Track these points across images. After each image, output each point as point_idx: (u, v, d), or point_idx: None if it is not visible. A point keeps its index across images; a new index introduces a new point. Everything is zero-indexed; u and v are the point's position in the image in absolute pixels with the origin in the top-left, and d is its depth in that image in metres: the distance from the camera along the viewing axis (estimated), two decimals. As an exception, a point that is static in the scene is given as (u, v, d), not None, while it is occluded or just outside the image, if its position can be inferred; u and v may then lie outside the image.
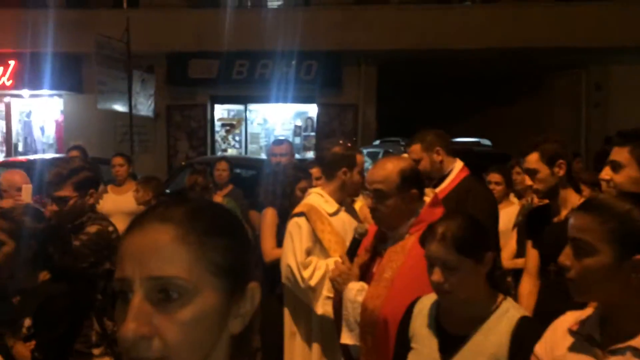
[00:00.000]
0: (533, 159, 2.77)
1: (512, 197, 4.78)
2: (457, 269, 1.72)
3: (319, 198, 3.07)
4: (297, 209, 3.04)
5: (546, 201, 2.94)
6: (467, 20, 12.26)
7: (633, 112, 11.12)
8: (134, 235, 0.83)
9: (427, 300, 1.92)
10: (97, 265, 2.55)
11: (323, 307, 2.81)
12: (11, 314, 1.87)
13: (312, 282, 2.83)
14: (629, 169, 2.26)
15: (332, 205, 3.05)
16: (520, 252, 3.58)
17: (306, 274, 2.85)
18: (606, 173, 2.33)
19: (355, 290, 2.31)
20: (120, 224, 1.27)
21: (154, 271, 0.79)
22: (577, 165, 7.04)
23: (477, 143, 10.31)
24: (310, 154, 13.28)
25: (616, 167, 2.29)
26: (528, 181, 2.82)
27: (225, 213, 0.91)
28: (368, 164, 7.02)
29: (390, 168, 2.30)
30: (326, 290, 2.80)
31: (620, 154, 2.28)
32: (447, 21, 12.14)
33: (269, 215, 3.70)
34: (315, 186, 3.65)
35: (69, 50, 12.50)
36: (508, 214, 4.26)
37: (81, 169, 2.72)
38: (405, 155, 3.44)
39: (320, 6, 12.75)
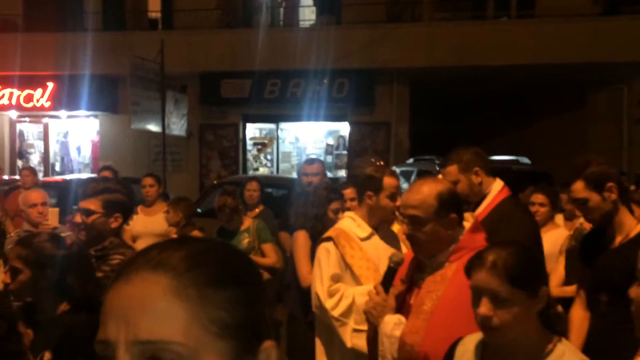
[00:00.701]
0: (579, 188, 2.52)
1: (558, 219, 4.48)
2: (508, 302, 1.54)
3: (350, 222, 2.92)
4: (326, 234, 2.91)
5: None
6: (502, 35, 12.01)
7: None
8: (119, 287, 0.68)
9: (470, 342, 1.74)
10: None
11: (351, 340, 2.65)
12: (17, 346, 1.77)
13: (335, 313, 2.67)
14: None
15: (365, 230, 2.88)
16: (570, 279, 3.34)
17: (329, 303, 2.69)
18: None
19: (392, 324, 2.13)
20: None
21: (142, 334, 0.64)
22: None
23: (516, 161, 9.94)
24: (342, 173, 13.19)
25: None
26: (579, 213, 2.59)
27: (234, 256, 0.74)
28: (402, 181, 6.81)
29: (426, 192, 2.13)
30: (353, 322, 2.64)
31: None
32: (482, 37, 11.91)
33: (301, 238, 3.58)
34: (350, 207, 3.51)
35: (105, 72, 12.77)
36: (553, 237, 3.98)
37: (116, 191, 2.63)
38: (440, 176, 3.23)
39: (352, 24, 12.71)
